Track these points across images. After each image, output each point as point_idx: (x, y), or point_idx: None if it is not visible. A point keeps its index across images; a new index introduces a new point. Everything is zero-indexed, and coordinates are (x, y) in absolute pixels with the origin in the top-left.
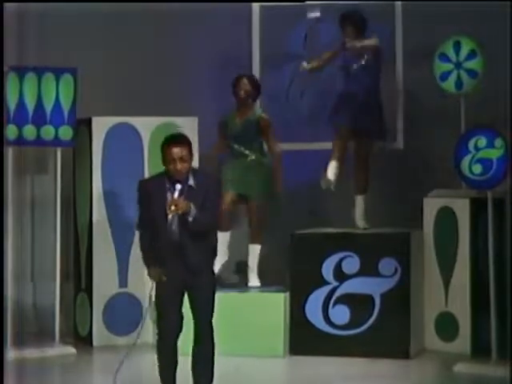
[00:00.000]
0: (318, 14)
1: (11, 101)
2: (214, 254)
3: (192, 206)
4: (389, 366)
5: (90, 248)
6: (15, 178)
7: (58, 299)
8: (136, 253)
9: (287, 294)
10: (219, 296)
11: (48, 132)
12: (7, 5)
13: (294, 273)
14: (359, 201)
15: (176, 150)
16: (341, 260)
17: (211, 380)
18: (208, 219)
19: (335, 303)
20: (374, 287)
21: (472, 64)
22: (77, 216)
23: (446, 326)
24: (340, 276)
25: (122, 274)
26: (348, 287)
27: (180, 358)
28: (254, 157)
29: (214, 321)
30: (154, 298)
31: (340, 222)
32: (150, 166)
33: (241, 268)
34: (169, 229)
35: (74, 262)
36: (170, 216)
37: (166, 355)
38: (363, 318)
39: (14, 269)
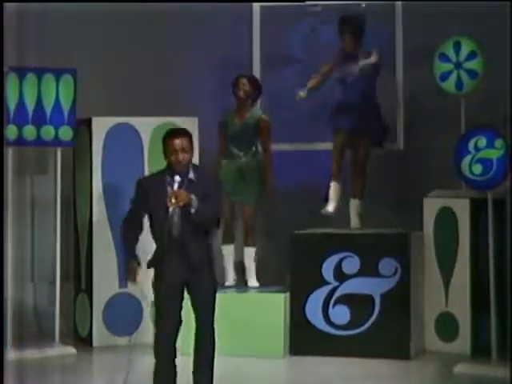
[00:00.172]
0: (318, 9)
1: (11, 101)
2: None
3: (193, 197)
4: (389, 366)
5: (90, 248)
6: (15, 178)
7: (58, 299)
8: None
9: (287, 294)
10: (219, 296)
11: (48, 132)
12: (7, 5)
13: (294, 273)
14: (355, 204)
15: (177, 141)
16: (341, 260)
17: (211, 380)
18: (210, 211)
19: (335, 303)
20: (374, 287)
21: (472, 64)
22: (77, 216)
23: (446, 326)
24: (340, 276)
25: (122, 274)
26: (348, 287)
27: (180, 358)
28: (245, 158)
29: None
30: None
31: (340, 222)
32: (150, 166)
33: (239, 269)
34: (169, 224)
35: (74, 262)
36: (170, 209)
37: (165, 355)
38: (363, 318)
39: (14, 269)
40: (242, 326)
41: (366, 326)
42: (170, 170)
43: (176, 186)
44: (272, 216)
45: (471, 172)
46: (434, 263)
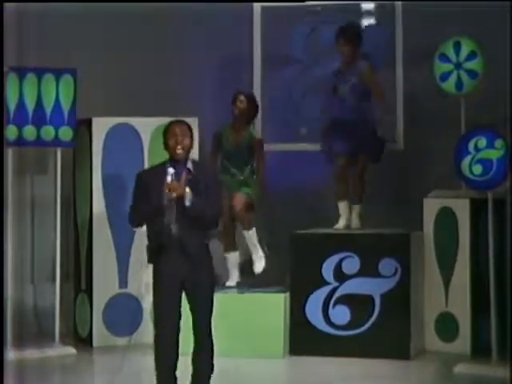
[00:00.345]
0: (318, 9)
1: (11, 101)
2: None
3: (188, 190)
4: (389, 366)
5: (89, 248)
6: (15, 179)
7: (58, 300)
8: (136, 253)
9: (287, 294)
10: (219, 296)
11: (48, 132)
12: (7, 5)
13: (294, 273)
14: (354, 208)
15: (177, 128)
16: (341, 260)
17: (209, 379)
18: (209, 209)
19: (335, 303)
20: (374, 287)
21: (472, 64)
22: (77, 216)
23: (446, 326)
24: (340, 276)
25: (122, 274)
26: (348, 287)
27: (180, 358)
28: (242, 177)
29: (214, 321)
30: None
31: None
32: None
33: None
34: (167, 219)
35: (74, 262)
36: (166, 201)
37: (165, 355)
38: (363, 318)
39: (13, 269)
40: (242, 326)
41: (366, 326)
42: (170, 160)
43: (169, 179)
44: (272, 216)
45: (471, 172)
46: (434, 263)
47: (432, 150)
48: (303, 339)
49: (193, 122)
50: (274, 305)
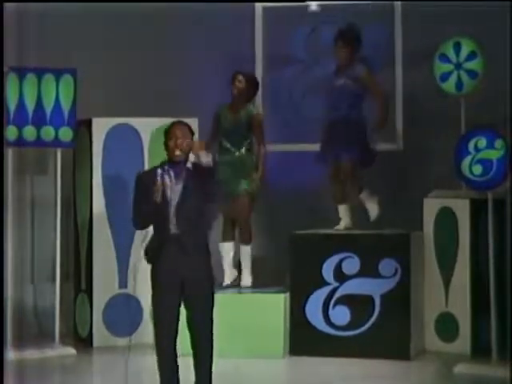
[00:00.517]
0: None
1: (11, 101)
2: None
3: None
4: (389, 366)
5: (89, 249)
6: (15, 179)
7: (58, 300)
8: (136, 253)
9: (287, 294)
10: (219, 297)
11: (48, 133)
12: (7, 5)
13: (294, 273)
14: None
15: (178, 130)
16: (341, 261)
17: (210, 381)
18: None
19: (335, 304)
20: (374, 288)
21: (472, 65)
22: (77, 216)
23: (446, 326)
24: (340, 277)
25: (122, 274)
26: (348, 288)
27: (180, 358)
28: (239, 153)
29: (213, 322)
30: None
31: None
32: (150, 167)
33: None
34: (168, 218)
35: (74, 262)
36: (158, 199)
37: (166, 357)
38: (363, 318)
39: (13, 269)
40: (242, 326)
41: (366, 326)
42: (168, 162)
43: (172, 176)
44: (272, 216)
45: (471, 172)
46: (434, 263)
47: (432, 150)
48: (303, 339)
49: (193, 122)
50: (274, 305)
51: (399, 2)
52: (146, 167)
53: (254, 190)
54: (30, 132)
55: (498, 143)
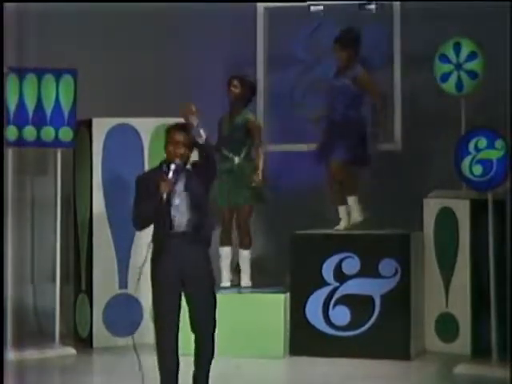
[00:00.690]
0: (321, 8)
1: (11, 102)
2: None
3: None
4: (389, 366)
5: (89, 249)
6: (15, 179)
7: (58, 300)
8: (136, 254)
9: (287, 294)
10: (219, 297)
11: (48, 133)
12: (7, 5)
13: (294, 273)
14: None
15: (177, 136)
16: (341, 261)
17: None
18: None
19: (335, 304)
20: (374, 288)
21: (472, 65)
22: (77, 217)
23: (447, 326)
24: (340, 277)
25: (122, 274)
26: (348, 288)
27: (180, 359)
28: (238, 161)
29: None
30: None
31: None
32: (150, 167)
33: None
34: (169, 218)
35: (74, 263)
36: (164, 196)
37: (167, 356)
38: (363, 318)
39: (14, 270)
40: (242, 326)
41: (367, 326)
42: (168, 161)
43: (171, 174)
44: (272, 216)
45: (471, 173)
46: (434, 264)
47: (432, 150)
48: (303, 339)
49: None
50: (274, 305)
51: (399, 2)
52: (146, 167)
53: (253, 201)
54: (30, 132)
55: (498, 143)
